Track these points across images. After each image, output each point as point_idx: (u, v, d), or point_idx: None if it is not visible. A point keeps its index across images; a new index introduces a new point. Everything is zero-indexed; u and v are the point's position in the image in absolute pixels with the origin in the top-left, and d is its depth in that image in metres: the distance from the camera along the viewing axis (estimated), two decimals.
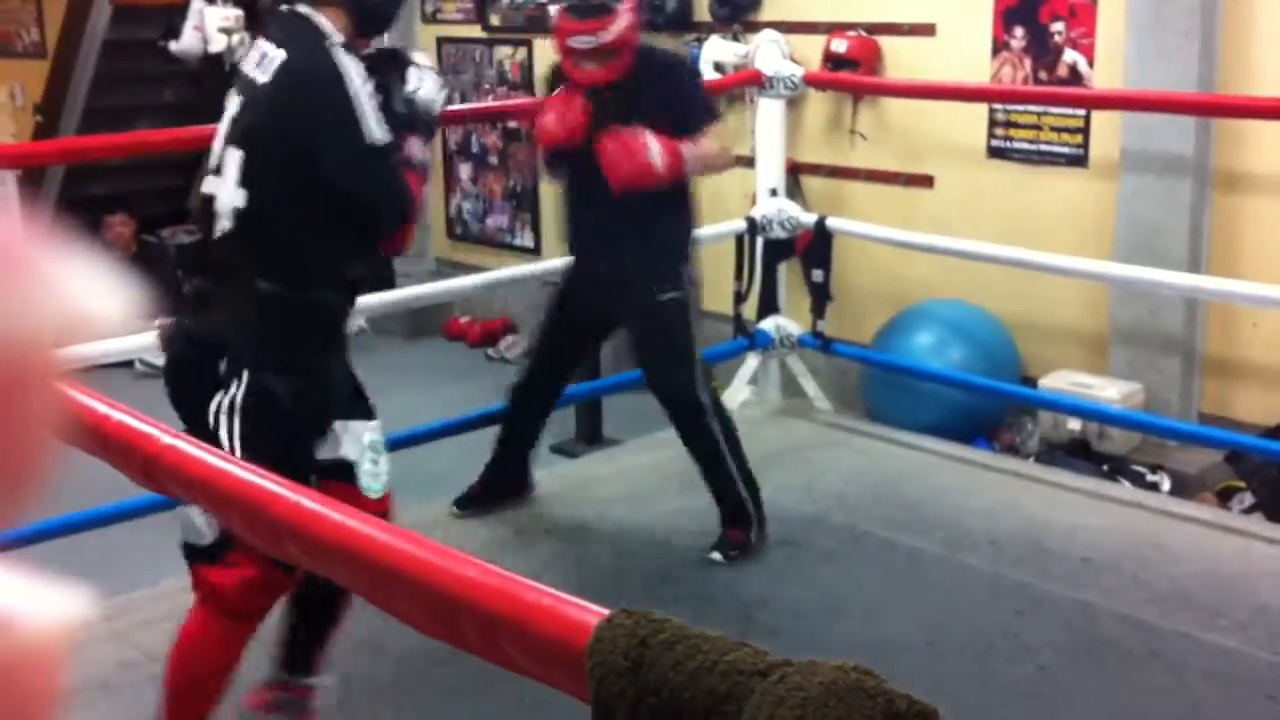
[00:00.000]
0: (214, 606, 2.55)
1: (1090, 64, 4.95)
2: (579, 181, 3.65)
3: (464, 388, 6.34)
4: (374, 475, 2.63)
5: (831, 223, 4.72)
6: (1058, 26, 5.01)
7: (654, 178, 3.44)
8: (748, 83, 4.95)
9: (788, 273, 4.96)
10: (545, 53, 6.51)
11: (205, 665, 2.57)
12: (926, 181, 5.50)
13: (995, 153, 5.29)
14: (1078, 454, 4.78)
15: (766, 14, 5.81)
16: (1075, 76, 4.99)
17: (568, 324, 3.86)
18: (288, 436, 2.41)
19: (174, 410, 2.47)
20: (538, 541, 3.92)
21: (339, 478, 2.55)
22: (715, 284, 5.75)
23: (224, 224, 2.38)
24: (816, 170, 5.79)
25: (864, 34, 5.50)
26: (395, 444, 4.23)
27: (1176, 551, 3.71)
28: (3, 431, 0.31)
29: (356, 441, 2.61)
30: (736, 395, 4.79)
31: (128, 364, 6.06)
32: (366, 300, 4.36)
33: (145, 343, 4.82)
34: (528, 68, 6.96)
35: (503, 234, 7.38)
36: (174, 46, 6.81)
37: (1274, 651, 3.19)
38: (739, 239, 4.73)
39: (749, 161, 4.85)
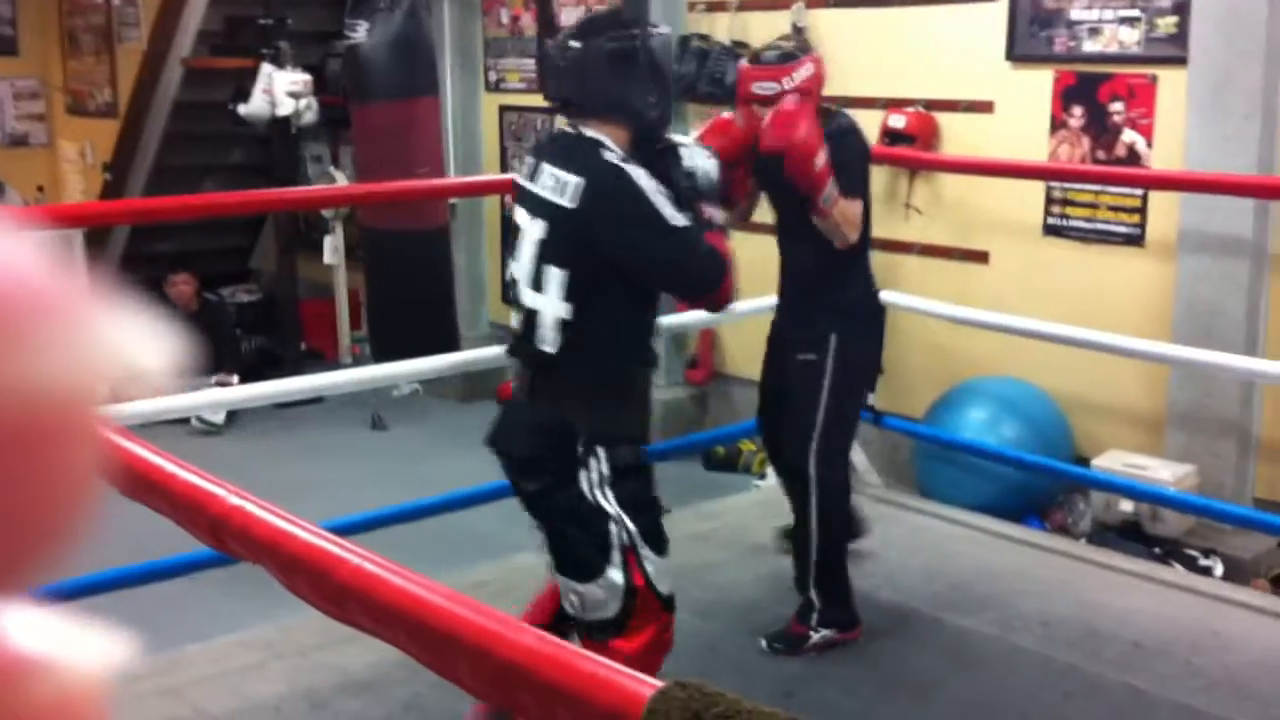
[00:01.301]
0: None
1: (1149, 144, 4.95)
2: (778, 235, 3.77)
3: None
4: None
5: (885, 296, 4.72)
6: (1117, 106, 5.02)
7: (800, 155, 3.31)
8: None
9: None
10: None
11: None
12: (982, 257, 5.51)
13: (1051, 230, 5.29)
14: (1130, 535, 4.72)
15: (825, 89, 5.86)
16: (1133, 156, 4.99)
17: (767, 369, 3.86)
18: (647, 485, 2.75)
19: (522, 500, 2.78)
20: None
21: None
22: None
23: (549, 334, 2.68)
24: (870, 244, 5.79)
25: (922, 110, 5.54)
26: (446, 506, 4.28)
27: (1229, 638, 3.66)
28: (39, 483, 0.30)
29: None
30: None
31: (184, 421, 6.15)
32: (423, 364, 4.43)
33: (204, 400, 4.90)
34: None
35: None
36: (242, 109, 6.94)
37: None
38: None
39: None
